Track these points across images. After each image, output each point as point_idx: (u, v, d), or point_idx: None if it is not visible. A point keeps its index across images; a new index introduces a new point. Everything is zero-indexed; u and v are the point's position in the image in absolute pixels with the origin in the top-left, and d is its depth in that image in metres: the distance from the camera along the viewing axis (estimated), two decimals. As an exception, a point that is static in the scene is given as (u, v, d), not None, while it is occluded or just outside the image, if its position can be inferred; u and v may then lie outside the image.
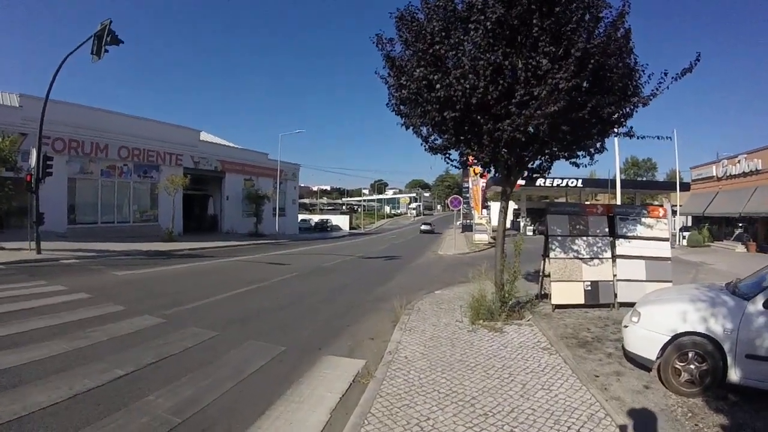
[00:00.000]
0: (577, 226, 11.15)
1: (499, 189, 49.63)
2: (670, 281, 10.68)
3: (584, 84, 8.27)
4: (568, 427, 4.83)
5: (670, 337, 6.08)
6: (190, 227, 39.71)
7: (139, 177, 35.77)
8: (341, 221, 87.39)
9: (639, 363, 6.67)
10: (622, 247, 11.02)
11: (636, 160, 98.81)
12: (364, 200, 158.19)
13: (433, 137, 9.82)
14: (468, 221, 52.73)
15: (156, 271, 17.52)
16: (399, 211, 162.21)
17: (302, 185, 78.61)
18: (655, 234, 11.21)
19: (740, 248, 31.49)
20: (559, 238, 10.97)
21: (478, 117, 8.25)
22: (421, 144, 9.97)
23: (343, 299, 12.85)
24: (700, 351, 5.90)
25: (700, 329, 5.93)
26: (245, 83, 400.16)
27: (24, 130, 24.91)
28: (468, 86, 7.82)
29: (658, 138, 11.59)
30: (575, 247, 10.91)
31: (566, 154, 9.94)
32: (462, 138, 9.02)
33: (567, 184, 50.00)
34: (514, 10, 7.63)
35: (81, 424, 4.73)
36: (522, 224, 53.06)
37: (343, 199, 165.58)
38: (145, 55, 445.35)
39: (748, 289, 6.32)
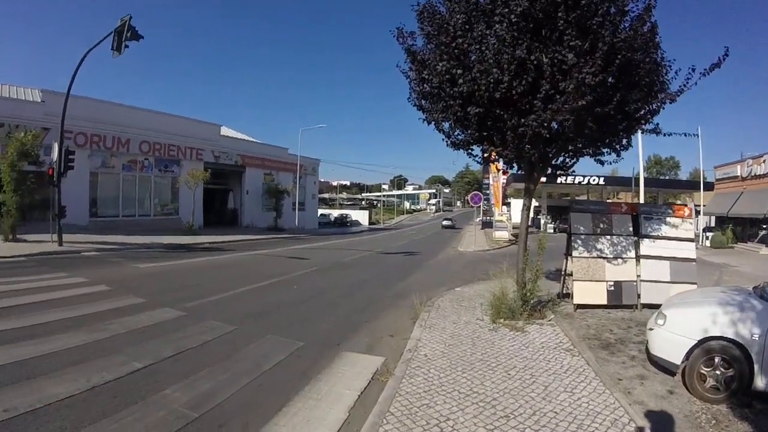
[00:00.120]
0: (601, 225, 10.91)
1: (519, 186, 49.58)
2: (695, 283, 10.42)
3: (610, 79, 8.09)
4: (592, 432, 4.69)
5: (696, 342, 5.89)
6: (211, 221, 39.98)
7: (160, 171, 36.17)
8: (361, 216, 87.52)
9: (663, 367, 6.47)
10: (647, 247, 10.76)
11: (659, 159, 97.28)
12: (384, 195, 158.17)
13: (455, 132, 9.66)
14: (488, 218, 52.49)
15: (176, 264, 17.66)
16: (418, 207, 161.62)
17: (322, 180, 78.71)
18: (680, 234, 10.95)
19: (765, 250, 30.68)
20: (583, 236, 10.76)
21: (502, 112, 8.10)
22: (443, 139, 9.82)
23: (363, 295, 12.78)
24: (727, 356, 5.71)
25: (728, 334, 5.74)
26: (266, 78, 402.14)
27: (46, 124, 25.17)
28: (492, 81, 7.68)
29: (685, 135, 11.37)
30: (598, 246, 10.70)
31: (591, 150, 9.74)
32: (485, 133, 8.88)
33: (588, 181, 49.46)
34: (538, 3, 7.45)
35: (97, 417, 4.72)
36: (542, 222, 52.58)
37: (363, 194, 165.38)
38: (165, 50, 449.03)
39: (777, 293, 6.15)
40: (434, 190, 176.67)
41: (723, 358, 5.73)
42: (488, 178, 51.22)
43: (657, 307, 8.36)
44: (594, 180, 49.49)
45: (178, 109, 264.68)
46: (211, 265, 18.36)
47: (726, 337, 5.74)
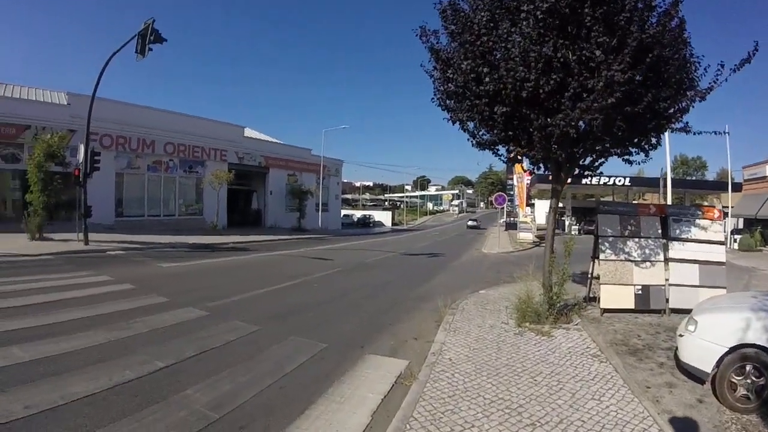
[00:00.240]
0: (629, 227, 10.64)
1: (543, 186, 49.09)
2: (725, 287, 10.08)
3: (637, 77, 7.89)
4: (620, 442, 4.53)
5: (727, 349, 5.65)
6: (235, 221, 40.29)
7: (185, 172, 36.60)
8: (384, 217, 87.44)
9: (692, 374, 6.25)
10: (675, 250, 10.45)
11: (685, 159, 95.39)
12: (407, 196, 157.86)
13: (480, 132, 9.52)
14: (512, 219, 51.95)
15: (200, 263, 17.77)
16: (441, 208, 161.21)
17: (345, 181, 78.92)
18: (710, 237, 10.60)
19: (795, 254, 30.11)
20: (610, 238, 10.52)
21: (529, 111, 7.94)
22: (468, 139, 9.67)
23: (386, 296, 12.68)
24: (759, 364, 5.48)
25: (761, 341, 5.49)
26: (288, 79, 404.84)
27: (72, 126, 25.73)
28: (518, 79, 7.53)
29: (714, 133, 11.09)
30: (626, 249, 10.46)
31: (619, 150, 9.54)
32: (511, 133, 8.73)
33: (614, 182, 48.43)
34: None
35: (118, 416, 4.71)
36: (567, 223, 51.93)
37: (386, 195, 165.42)
38: (192, 54, 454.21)
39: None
40: (457, 191, 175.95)
41: (755, 366, 5.50)
42: (512, 178, 50.76)
43: (685, 312, 8.15)
44: (619, 181, 48.38)
45: (202, 111, 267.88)
46: (235, 265, 18.45)
47: (759, 345, 5.51)
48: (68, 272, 13.19)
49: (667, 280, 10.26)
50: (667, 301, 10.17)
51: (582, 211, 52.29)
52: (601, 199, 57.99)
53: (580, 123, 7.98)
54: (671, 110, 8.77)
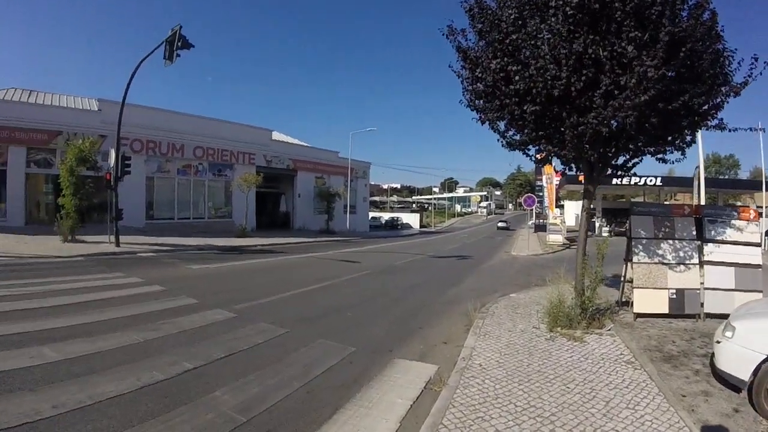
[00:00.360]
0: (663, 228, 10.32)
1: (572, 188, 48.44)
2: (761, 291, 9.72)
3: (670, 72, 7.67)
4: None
5: (765, 356, 5.44)
6: (263, 224, 40.66)
7: (214, 175, 37.16)
8: (412, 219, 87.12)
9: (728, 382, 5.99)
10: (710, 252, 10.09)
11: (717, 157, 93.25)
12: (435, 198, 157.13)
13: (510, 132, 9.37)
14: (541, 221, 51.12)
15: (229, 265, 17.90)
16: (470, 210, 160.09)
17: (373, 183, 78.93)
18: (746, 238, 10.19)
19: (831, 256, 29.18)
20: (644, 240, 10.23)
21: (560, 110, 7.78)
22: (498, 140, 9.52)
23: (415, 300, 12.54)
24: None
25: None
26: (316, 82, 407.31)
27: (103, 132, 26.56)
28: (549, 77, 7.38)
29: (750, 130, 10.76)
30: (660, 252, 10.15)
31: (653, 149, 9.29)
32: (542, 133, 8.56)
33: (645, 182, 46.89)
34: None
35: (145, 417, 4.73)
36: (597, 225, 50.92)
37: (414, 197, 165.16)
38: (219, 59, 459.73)
39: None
40: (485, 193, 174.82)
41: (793, 375, 5.29)
42: (541, 179, 49.92)
43: (720, 317, 7.89)
44: (650, 181, 46.77)
45: (230, 115, 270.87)
46: (263, 267, 18.56)
47: None
48: (99, 274, 13.39)
49: (702, 283, 9.96)
50: (702, 305, 9.84)
51: (612, 212, 51.38)
52: (632, 199, 57.05)
53: (613, 121, 7.78)
54: (705, 107, 8.52)
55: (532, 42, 7.68)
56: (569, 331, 8.51)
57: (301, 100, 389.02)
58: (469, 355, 7.19)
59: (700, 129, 9.41)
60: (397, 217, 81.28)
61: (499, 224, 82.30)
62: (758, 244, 10.39)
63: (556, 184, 45.39)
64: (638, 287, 9.87)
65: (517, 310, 10.69)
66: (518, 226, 73.35)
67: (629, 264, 10.54)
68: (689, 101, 7.84)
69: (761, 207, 35.09)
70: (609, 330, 8.83)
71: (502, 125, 9.24)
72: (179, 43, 19.71)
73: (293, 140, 51.36)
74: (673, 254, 10.10)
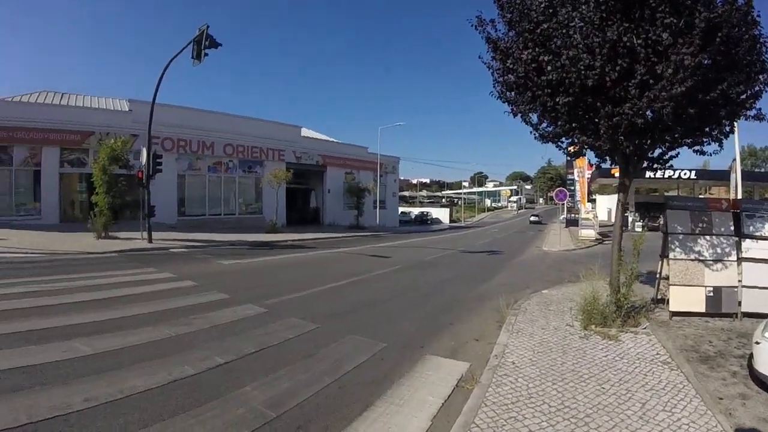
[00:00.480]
0: (699, 224, 9.98)
1: (605, 181, 47.59)
2: None
3: (706, 60, 7.42)
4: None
5: None
6: (293, 219, 41.12)
7: (244, 172, 37.77)
8: (441, 214, 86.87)
9: (766, 385, 5.84)
10: (748, 248, 9.71)
11: (753, 150, 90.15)
12: (464, 193, 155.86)
13: (543, 124, 9.16)
14: (573, 215, 50.35)
15: (260, 261, 18.11)
16: (500, 204, 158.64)
17: (402, 178, 78.79)
18: (784, 233, 9.96)
19: None
20: (680, 236, 9.96)
21: (594, 101, 7.61)
22: (531, 132, 9.32)
23: (446, 295, 12.41)
24: None
25: None
26: (344, 78, 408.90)
27: (134, 131, 27.22)
28: (582, 67, 7.19)
29: None
30: (696, 248, 9.81)
31: (690, 140, 9.01)
32: (575, 125, 8.37)
33: (679, 175, 45.46)
34: None
35: (175, 411, 4.76)
36: (630, 219, 49.85)
37: (443, 191, 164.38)
38: (248, 57, 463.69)
39: None
40: (515, 187, 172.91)
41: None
42: (572, 173, 49.11)
43: (758, 316, 7.64)
44: (684, 174, 45.09)
45: (259, 112, 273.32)
46: (293, 262, 18.66)
47: None
48: (132, 269, 13.62)
49: (739, 281, 9.65)
50: (740, 304, 9.49)
51: (645, 207, 50.09)
52: (665, 193, 55.84)
53: (648, 112, 7.56)
54: (743, 96, 8.22)
55: (564, 31, 7.48)
56: (604, 329, 8.31)
57: (329, 98, 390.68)
58: (502, 352, 7.08)
59: (739, 119, 9.07)
60: (427, 212, 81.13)
61: (531, 218, 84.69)
62: None
63: (588, 178, 44.69)
64: (674, 284, 9.59)
65: (549, 306, 10.49)
66: (549, 220, 72.88)
67: (665, 260, 10.25)
68: (728, 90, 7.57)
69: (800, 200, 34.26)
70: (644, 328, 8.60)
71: (534, 117, 9.04)
72: (206, 43, 20.07)
73: (322, 136, 51.63)
74: (710, 251, 9.77)
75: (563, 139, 9.21)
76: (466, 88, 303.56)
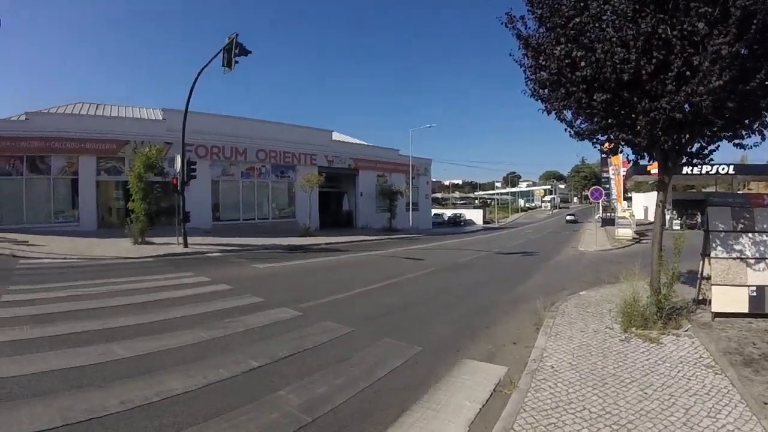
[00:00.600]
0: (741, 220, 9.67)
1: (640, 178, 46.62)
2: None
3: (743, 50, 7.17)
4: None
5: None
6: (326, 223, 41.32)
7: (277, 177, 38.33)
8: (474, 215, 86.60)
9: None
10: None
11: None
12: (497, 194, 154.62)
13: (578, 122, 8.96)
14: (608, 214, 49.53)
15: (294, 264, 18.22)
16: (533, 204, 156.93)
17: (434, 180, 78.80)
18: (828, 230, 9.55)
19: None
20: (722, 234, 9.63)
21: (630, 96, 7.42)
22: (566, 129, 9.09)
23: (481, 297, 12.24)
24: None
25: None
26: (374, 79, 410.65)
27: (168, 139, 27.87)
28: (617, 61, 7.02)
29: None
30: (738, 246, 9.43)
31: (730, 134, 8.72)
32: (613, 121, 8.17)
33: (717, 171, 43.26)
34: None
35: (210, 414, 4.78)
36: (668, 217, 48.51)
37: (476, 192, 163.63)
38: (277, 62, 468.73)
39: None
40: (549, 186, 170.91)
41: None
42: (607, 171, 48.13)
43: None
44: (723, 169, 43.29)
45: (291, 118, 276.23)
46: (327, 265, 18.73)
47: None
48: (168, 273, 13.83)
49: (783, 280, 9.33)
50: (783, 304, 9.23)
51: (683, 204, 48.79)
52: (703, 189, 54.46)
53: (686, 105, 7.35)
54: None
55: (597, 25, 7.31)
56: (645, 332, 8.05)
57: (359, 102, 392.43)
58: (540, 356, 6.91)
59: None
60: (460, 214, 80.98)
61: (568, 218, 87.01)
62: None
63: (623, 175, 43.94)
64: (716, 284, 9.27)
65: (588, 308, 10.24)
66: (585, 219, 72.02)
67: (706, 259, 9.95)
68: (766, 79, 7.33)
69: None
70: (686, 330, 8.33)
71: (569, 114, 8.86)
72: (236, 51, 20.42)
73: (353, 140, 51.86)
74: (753, 248, 9.39)
75: (599, 135, 9.01)
76: (497, 86, 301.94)
